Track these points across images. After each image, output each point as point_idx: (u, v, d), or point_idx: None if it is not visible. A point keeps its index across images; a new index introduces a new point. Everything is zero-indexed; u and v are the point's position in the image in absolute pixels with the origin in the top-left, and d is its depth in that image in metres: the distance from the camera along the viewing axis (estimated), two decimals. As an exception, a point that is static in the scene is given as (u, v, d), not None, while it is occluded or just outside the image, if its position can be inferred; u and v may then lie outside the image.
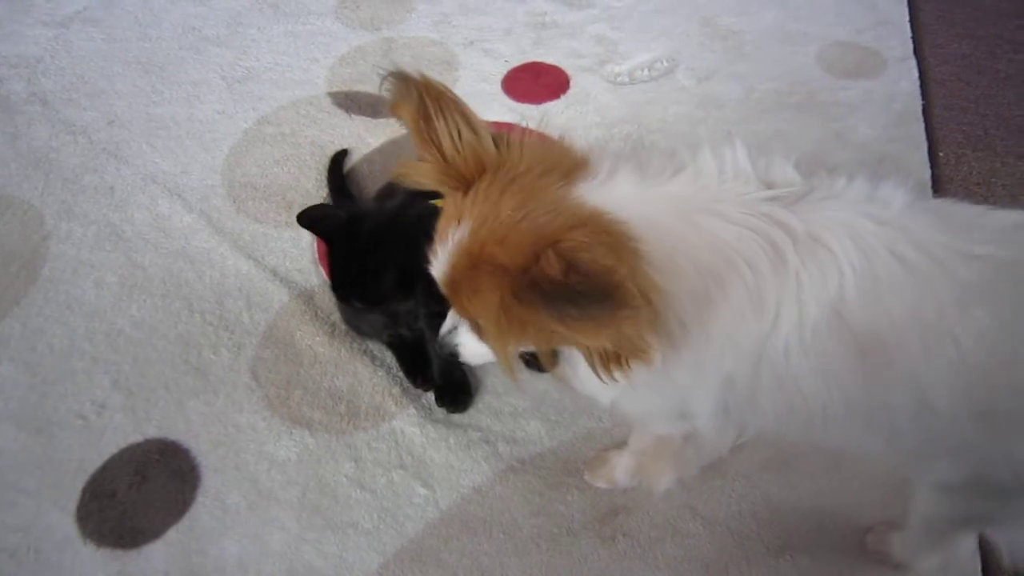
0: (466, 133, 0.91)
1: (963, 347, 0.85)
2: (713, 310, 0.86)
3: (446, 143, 0.91)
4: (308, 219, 1.58)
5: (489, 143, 0.92)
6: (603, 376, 0.88)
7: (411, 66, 0.96)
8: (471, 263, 0.89)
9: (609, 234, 0.83)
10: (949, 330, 0.85)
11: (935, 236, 0.87)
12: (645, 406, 1.12)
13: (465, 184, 0.93)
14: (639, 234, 0.84)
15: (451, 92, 0.93)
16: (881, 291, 0.86)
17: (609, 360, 0.87)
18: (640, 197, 0.90)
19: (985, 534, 1.34)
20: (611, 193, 0.89)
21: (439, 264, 0.94)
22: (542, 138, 0.97)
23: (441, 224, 0.94)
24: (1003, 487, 0.99)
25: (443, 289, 0.97)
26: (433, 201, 1.04)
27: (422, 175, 0.95)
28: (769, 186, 0.92)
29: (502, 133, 0.95)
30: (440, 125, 0.90)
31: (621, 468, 1.47)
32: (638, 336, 0.80)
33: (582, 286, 0.76)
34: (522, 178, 0.89)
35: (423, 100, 0.91)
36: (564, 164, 0.92)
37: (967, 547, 1.37)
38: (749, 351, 0.89)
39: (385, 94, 0.95)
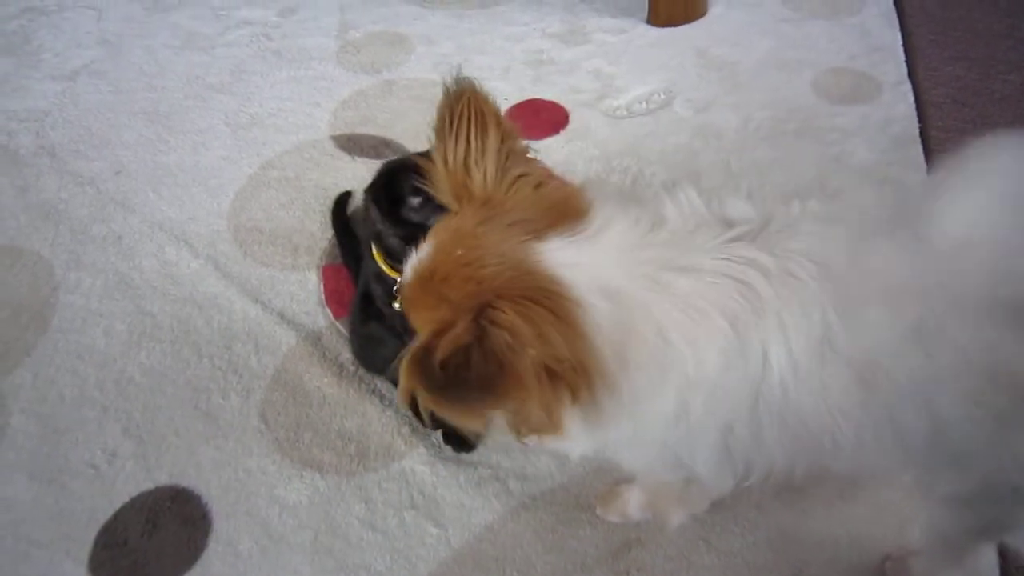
0: (473, 154, 0.88)
1: (968, 353, 0.83)
2: (684, 366, 0.84)
3: (451, 153, 0.89)
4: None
5: (479, 176, 0.89)
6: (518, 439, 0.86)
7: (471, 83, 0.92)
8: (421, 285, 0.87)
9: (536, 304, 0.78)
10: (951, 339, 0.83)
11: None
12: (635, 461, 1.10)
13: (456, 203, 0.91)
14: (586, 302, 0.80)
15: (489, 118, 0.89)
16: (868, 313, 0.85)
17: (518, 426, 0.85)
18: (608, 260, 0.85)
19: (1003, 541, 1.32)
20: (577, 254, 0.84)
21: (406, 272, 0.91)
22: (558, 183, 0.94)
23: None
24: (1015, 490, 0.98)
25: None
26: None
27: (432, 175, 0.93)
28: (728, 224, 0.90)
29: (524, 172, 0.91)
30: (458, 134, 0.89)
31: (633, 503, 1.46)
32: (545, 413, 0.78)
33: (460, 378, 0.74)
34: (495, 220, 0.86)
35: (456, 104, 0.89)
36: (554, 214, 0.87)
37: (986, 562, 1.34)
38: (743, 397, 0.88)
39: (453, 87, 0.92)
